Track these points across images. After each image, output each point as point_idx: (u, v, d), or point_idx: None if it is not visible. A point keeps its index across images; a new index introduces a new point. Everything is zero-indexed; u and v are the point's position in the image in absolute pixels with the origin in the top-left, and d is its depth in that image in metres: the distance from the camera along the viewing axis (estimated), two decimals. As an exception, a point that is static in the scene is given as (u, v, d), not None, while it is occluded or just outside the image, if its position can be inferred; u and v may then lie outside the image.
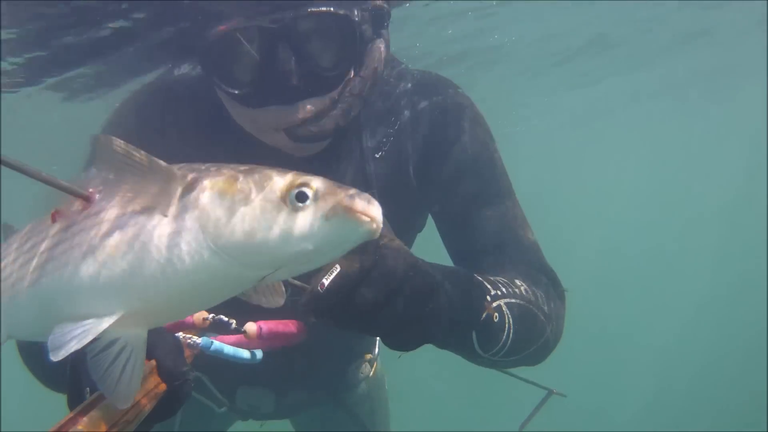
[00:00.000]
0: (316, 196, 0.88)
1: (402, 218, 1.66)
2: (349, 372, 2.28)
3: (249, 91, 1.44)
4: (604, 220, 26.59)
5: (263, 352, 1.41)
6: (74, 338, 0.86)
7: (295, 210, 0.87)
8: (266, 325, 1.33)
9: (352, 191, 0.89)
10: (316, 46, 1.42)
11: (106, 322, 0.88)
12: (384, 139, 1.68)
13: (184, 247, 0.88)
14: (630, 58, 8.63)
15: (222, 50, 1.41)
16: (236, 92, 1.46)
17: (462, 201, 1.70)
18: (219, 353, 1.30)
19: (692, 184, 26.86)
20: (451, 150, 1.70)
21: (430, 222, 1.85)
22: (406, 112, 1.70)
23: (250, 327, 1.31)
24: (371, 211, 0.87)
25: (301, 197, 0.87)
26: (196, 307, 0.99)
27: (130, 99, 1.79)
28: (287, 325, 1.40)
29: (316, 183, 0.89)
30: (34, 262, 0.99)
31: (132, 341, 0.93)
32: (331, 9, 1.37)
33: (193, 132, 1.64)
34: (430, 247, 1.95)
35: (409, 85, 1.73)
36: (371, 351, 2.38)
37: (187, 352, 1.23)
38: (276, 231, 0.87)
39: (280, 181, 0.89)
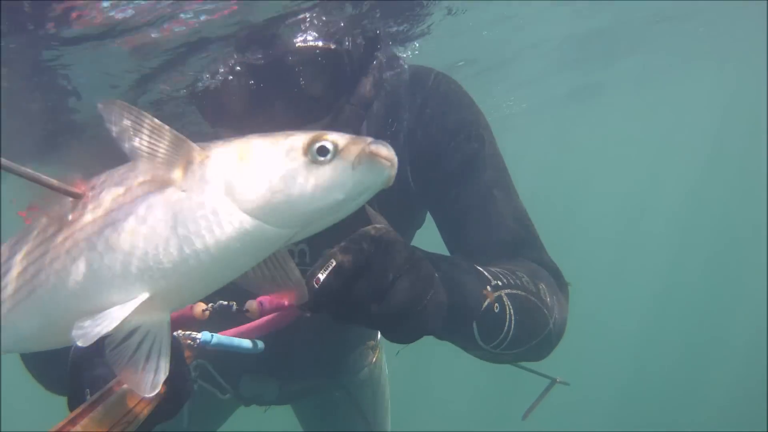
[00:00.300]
0: (337, 149, 0.90)
1: (401, 217, 1.64)
2: (351, 359, 2.29)
3: (241, 122, 1.43)
4: (580, 204, 26.50)
5: (267, 338, 1.40)
6: (100, 324, 0.85)
7: (320, 164, 0.89)
8: (267, 300, 1.32)
9: (370, 139, 0.92)
10: (306, 79, 1.41)
11: (132, 305, 0.87)
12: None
13: (211, 217, 0.88)
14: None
15: (214, 87, 1.41)
16: (229, 123, 1.46)
17: (460, 197, 1.68)
18: (220, 346, 1.29)
19: (667, 166, 26.57)
20: (449, 148, 1.68)
21: (429, 218, 1.84)
22: (403, 113, 1.68)
23: (251, 304, 1.29)
24: (391, 155, 0.92)
25: (322, 151, 0.90)
26: (226, 279, 0.98)
27: None
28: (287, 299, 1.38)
29: (334, 136, 0.91)
30: (33, 267, 0.96)
31: (155, 327, 0.92)
32: (320, 44, 1.35)
33: None
34: (430, 243, 1.94)
35: (405, 85, 1.71)
36: (373, 338, 2.38)
37: (187, 353, 1.22)
38: (307, 186, 0.89)
39: (300, 138, 0.91)
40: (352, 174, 0.90)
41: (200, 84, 1.38)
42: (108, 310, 0.87)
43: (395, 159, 0.92)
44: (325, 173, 0.89)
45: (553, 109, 13.07)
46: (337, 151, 0.90)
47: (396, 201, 1.66)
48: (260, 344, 1.38)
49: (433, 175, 1.69)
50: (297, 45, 1.35)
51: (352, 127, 1.50)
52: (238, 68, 1.35)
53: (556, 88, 11.35)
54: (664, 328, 16.16)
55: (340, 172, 0.90)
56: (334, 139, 0.91)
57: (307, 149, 0.90)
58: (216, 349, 1.31)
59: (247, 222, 0.88)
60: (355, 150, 0.90)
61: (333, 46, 1.37)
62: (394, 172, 0.93)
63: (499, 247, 1.63)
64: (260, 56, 1.33)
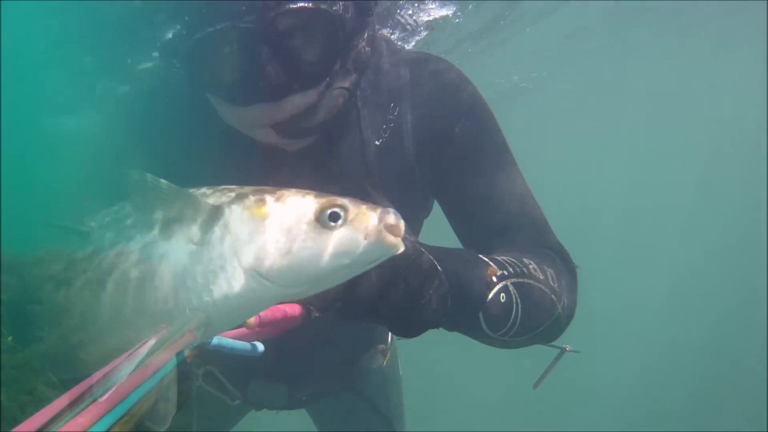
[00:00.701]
0: (348, 216, 0.91)
1: (407, 205, 1.63)
2: (361, 363, 2.26)
3: (234, 91, 1.42)
4: (587, 183, 26.34)
5: (271, 341, 1.39)
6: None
7: (331, 230, 0.90)
8: (264, 312, 1.31)
9: (380, 209, 0.93)
10: (298, 42, 1.39)
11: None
12: (384, 126, 1.65)
13: (220, 273, 0.90)
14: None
15: (203, 53, 1.39)
16: (221, 92, 1.45)
17: (466, 183, 1.66)
18: (220, 348, 1.28)
19: (681, 145, 26.24)
20: (452, 133, 1.66)
21: (438, 209, 1.82)
22: (404, 98, 1.67)
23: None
24: (401, 227, 0.92)
25: (334, 217, 0.91)
26: (227, 327, 1.03)
27: (118, 107, 1.79)
28: (286, 309, 1.37)
29: (347, 203, 0.92)
30: None
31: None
32: (310, 5, 1.34)
33: (184, 132, 1.63)
34: (439, 231, 1.92)
35: (406, 69, 1.70)
36: (384, 341, 2.36)
37: (187, 352, 1.22)
38: (315, 251, 0.89)
39: (313, 203, 0.92)
40: (362, 244, 0.91)
41: (189, 43, 1.37)
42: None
43: (403, 229, 0.93)
44: (334, 239, 0.90)
45: (558, 102, 13.03)
46: (348, 219, 0.91)
47: (402, 189, 1.66)
48: (259, 347, 1.38)
49: (436, 160, 1.68)
50: (288, 7, 1.33)
51: (349, 91, 1.50)
52: (229, 33, 1.34)
53: (561, 83, 11.32)
54: (666, 326, 16.07)
55: (350, 240, 0.91)
56: (346, 206, 0.92)
57: (319, 214, 0.91)
58: (218, 352, 1.30)
59: (253, 281, 0.90)
60: (366, 221, 0.91)
61: (323, 7, 1.36)
62: (402, 246, 0.94)
63: (505, 231, 1.62)
64: (251, 19, 1.31)
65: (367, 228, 0.91)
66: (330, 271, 0.91)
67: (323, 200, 0.92)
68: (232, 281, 0.89)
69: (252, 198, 0.93)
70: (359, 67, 1.50)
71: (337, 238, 0.90)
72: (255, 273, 0.89)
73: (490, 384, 13.51)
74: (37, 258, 1.01)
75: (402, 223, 0.93)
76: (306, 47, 1.40)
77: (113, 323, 0.92)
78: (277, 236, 0.89)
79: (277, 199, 0.93)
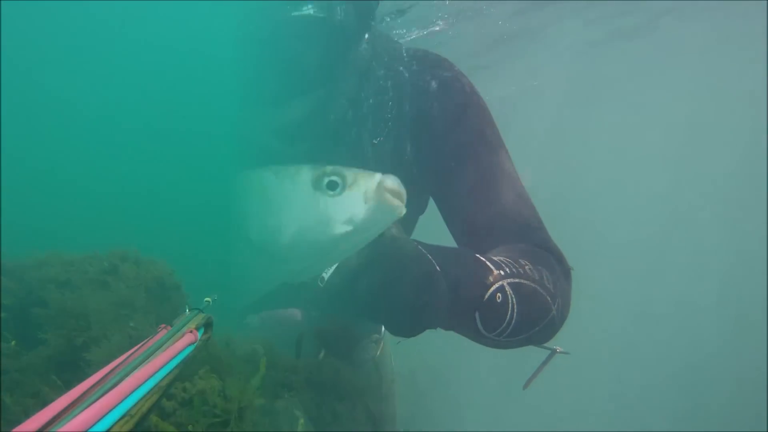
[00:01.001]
0: (346, 183, 0.90)
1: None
2: (354, 353, 2.28)
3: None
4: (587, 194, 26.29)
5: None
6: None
7: (330, 197, 0.90)
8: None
9: (378, 175, 0.92)
10: (299, 48, 1.40)
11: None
12: (382, 125, 1.66)
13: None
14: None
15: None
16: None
17: (463, 182, 1.66)
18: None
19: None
20: (449, 132, 1.67)
21: (432, 205, 1.83)
22: (403, 97, 1.68)
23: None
24: (400, 190, 0.92)
25: (332, 185, 0.90)
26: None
27: None
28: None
29: (344, 169, 0.92)
30: None
31: None
32: (311, 12, 1.35)
33: None
34: (437, 230, 1.93)
35: (405, 68, 1.70)
36: (377, 331, 2.38)
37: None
38: (316, 220, 0.89)
39: (309, 171, 0.91)
40: (363, 207, 0.90)
41: None
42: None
43: (404, 193, 0.92)
44: (334, 206, 0.90)
45: (559, 103, 12.96)
46: (346, 186, 0.90)
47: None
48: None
49: (433, 159, 1.69)
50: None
51: (349, 96, 1.51)
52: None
53: (563, 85, 11.25)
54: (663, 325, 16.04)
55: (351, 204, 0.90)
56: (343, 172, 0.91)
57: (317, 183, 0.90)
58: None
59: (257, 254, 0.90)
60: (364, 185, 0.90)
61: (323, 15, 1.37)
62: (403, 209, 0.92)
63: (501, 232, 1.63)
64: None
65: (367, 191, 0.90)
66: (333, 240, 0.90)
67: (319, 169, 0.92)
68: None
69: (251, 174, 0.94)
70: (359, 69, 1.51)
71: (336, 203, 0.89)
72: (257, 248, 0.89)
73: (486, 384, 13.52)
74: (37, 261, 1.02)
75: (402, 188, 0.91)
76: (307, 53, 1.41)
77: (117, 322, 0.92)
78: (275, 209, 0.89)
79: (275, 173, 0.93)
